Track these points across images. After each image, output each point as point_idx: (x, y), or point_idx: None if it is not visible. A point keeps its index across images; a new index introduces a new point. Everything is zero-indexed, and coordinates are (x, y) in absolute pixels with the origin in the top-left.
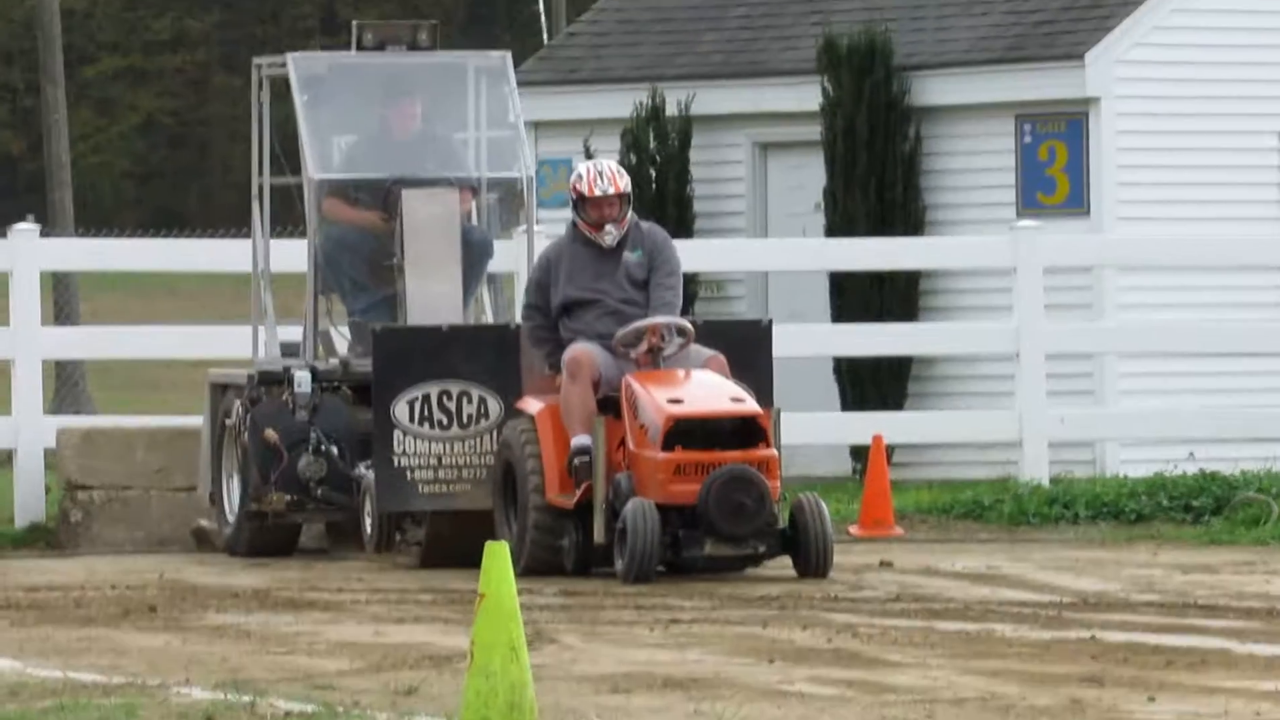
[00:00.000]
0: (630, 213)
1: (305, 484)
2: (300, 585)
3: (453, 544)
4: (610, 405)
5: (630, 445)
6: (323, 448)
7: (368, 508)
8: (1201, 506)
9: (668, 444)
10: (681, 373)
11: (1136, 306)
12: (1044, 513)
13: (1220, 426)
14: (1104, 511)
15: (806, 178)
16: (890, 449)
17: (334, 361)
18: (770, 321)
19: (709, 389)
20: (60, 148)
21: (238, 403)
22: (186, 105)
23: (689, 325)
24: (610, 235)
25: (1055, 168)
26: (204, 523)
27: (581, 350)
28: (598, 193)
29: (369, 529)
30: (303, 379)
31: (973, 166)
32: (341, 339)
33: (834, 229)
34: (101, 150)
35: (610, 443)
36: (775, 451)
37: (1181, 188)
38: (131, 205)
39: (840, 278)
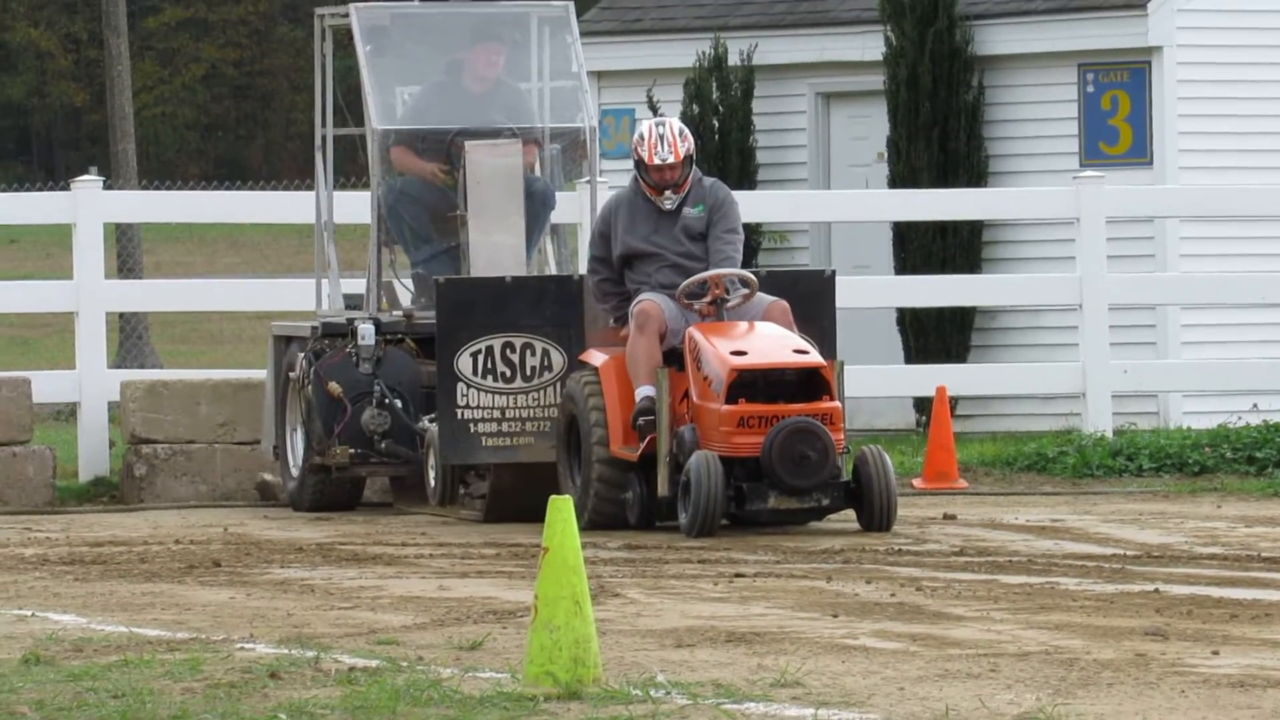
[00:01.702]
0: (694, 170)
1: (369, 437)
2: (364, 539)
3: (516, 497)
4: (674, 357)
5: (694, 397)
6: (386, 401)
7: (431, 461)
8: (1265, 458)
9: (731, 396)
10: (745, 324)
11: (1200, 257)
12: (1107, 465)
13: None
14: (1167, 464)
15: (869, 128)
16: (954, 401)
17: (397, 313)
18: (834, 272)
19: (772, 341)
20: (123, 99)
21: (301, 355)
22: (249, 56)
23: (752, 276)
24: (669, 201)
25: (1118, 117)
26: (268, 476)
27: (650, 301)
28: (657, 161)
29: (432, 482)
30: (366, 331)
31: (1035, 116)
32: (405, 291)
33: (897, 180)
34: (165, 101)
35: (674, 395)
36: (839, 404)
37: (1245, 137)
38: (195, 157)
39: (903, 229)
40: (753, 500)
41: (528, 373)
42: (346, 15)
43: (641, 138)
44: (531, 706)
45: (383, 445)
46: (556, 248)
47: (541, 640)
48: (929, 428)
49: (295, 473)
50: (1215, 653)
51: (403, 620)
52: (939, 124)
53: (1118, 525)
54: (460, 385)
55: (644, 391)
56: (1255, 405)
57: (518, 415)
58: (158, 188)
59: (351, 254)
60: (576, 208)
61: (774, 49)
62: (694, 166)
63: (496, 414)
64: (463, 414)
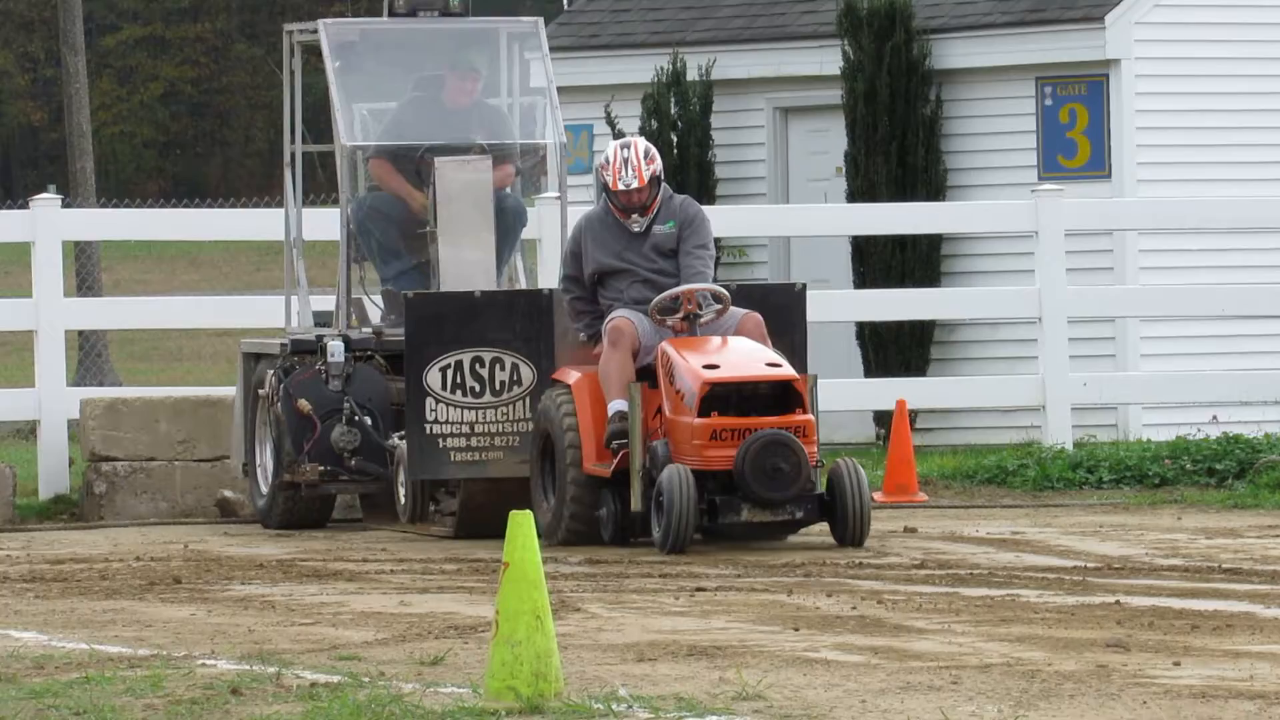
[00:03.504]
0: (663, 188)
1: (339, 454)
2: (325, 556)
3: (486, 512)
4: (647, 373)
5: (667, 412)
6: (356, 418)
7: (401, 477)
8: (1225, 470)
9: (704, 410)
10: (718, 339)
11: (1158, 269)
12: (1067, 477)
13: (1243, 389)
14: (1127, 476)
15: (828, 142)
16: (913, 414)
17: (367, 330)
18: (804, 285)
19: (745, 355)
20: (81, 117)
21: (270, 373)
22: (207, 74)
23: (724, 291)
24: (637, 225)
25: (1076, 130)
26: (228, 493)
27: (623, 318)
28: (621, 186)
29: (403, 499)
30: (336, 348)
31: (994, 130)
32: (374, 307)
33: (855, 194)
34: (123, 120)
35: (647, 410)
36: (812, 417)
37: (1203, 149)
38: (153, 174)
39: (862, 243)
40: (726, 513)
41: (497, 387)
42: (315, 31)
43: (607, 161)
44: None
45: (352, 462)
46: (526, 264)
47: (503, 655)
48: (889, 441)
49: (265, 490)
50: (1177, 664)
51: (364, 636)
52: (897, 138)
53: (1078, 537)
54: (429, 400)
55: (616, 406)
56: (1215, 417)
57: (487, 430)
58: (116, 205)
59: (315, 271)
60: (538, 223)
61: (732, 64)
62: (663, 184)
63: (465, 429)
64: (431, 429)
